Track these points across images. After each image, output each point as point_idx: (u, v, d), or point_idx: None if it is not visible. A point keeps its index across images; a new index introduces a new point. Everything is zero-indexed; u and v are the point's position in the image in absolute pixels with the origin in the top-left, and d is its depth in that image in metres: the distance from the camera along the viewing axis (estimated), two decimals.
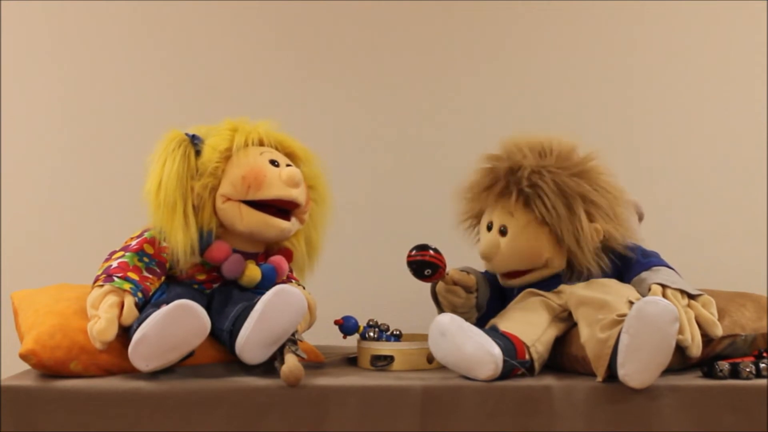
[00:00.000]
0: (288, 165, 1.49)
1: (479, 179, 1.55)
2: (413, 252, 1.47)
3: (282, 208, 1.47)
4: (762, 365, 1.33)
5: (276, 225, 1.46)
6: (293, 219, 1.50)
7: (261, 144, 1.50)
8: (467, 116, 2.08)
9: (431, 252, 1.47)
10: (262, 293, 1.34)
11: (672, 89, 2.08)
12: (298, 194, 1.47)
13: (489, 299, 1.60)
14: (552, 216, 1.45)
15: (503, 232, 1.51)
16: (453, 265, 1.55)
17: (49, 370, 1.30)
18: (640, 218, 1.71)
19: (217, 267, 1.46)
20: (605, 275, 1.48)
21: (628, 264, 1.50)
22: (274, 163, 1.47)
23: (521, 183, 1.47)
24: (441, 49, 2.10)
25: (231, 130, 1.48)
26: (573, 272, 1.50)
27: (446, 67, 2.10)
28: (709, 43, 2.08)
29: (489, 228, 1.53)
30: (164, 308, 1.26)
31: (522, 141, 1.52)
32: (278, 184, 1.44)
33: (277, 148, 1.52)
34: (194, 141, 1.45)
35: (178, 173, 1.41)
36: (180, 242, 1.39)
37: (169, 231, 1.40)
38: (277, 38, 2.10)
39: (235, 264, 1.45)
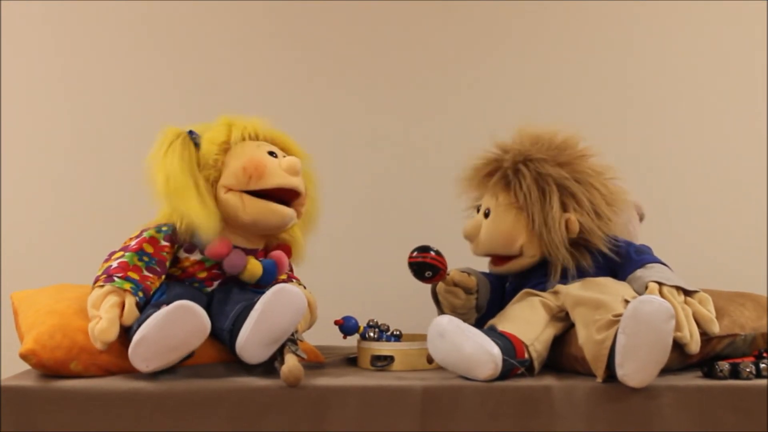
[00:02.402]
0: (285, 157, 1.50)
1: (478, 165, 1.59)
2: (414, 253, 1.48)
3: (281, 199, 1.47)
4: (762, 365, 1.33)
5: (279, 211, 1.46)
6: (292, 210, 1.50)
7: (257, 138, 1.51)
8: (467, 116, 2.08)
9: (432, 254, 1.47)
10: (263, 292, 1.34)
11: (671, 89, 2.08)
12: (298, 182, 1.48)
13: (489, 300, 1.60)
14: (525, 199, 1.49)
15: (487, 214, 1.55)
16: (453, 265, 1.55)
17: (49, 370, 1.30)
18: (641, 218, 1.71)
19: (218, 263, 1.47)
20: (589, 274, 1.48)
21: (620, 262, 1.50)
22: (272, 154, 1.48)
23: (505, 166, 1.52)
24: (441, 49, 2.10)
25: (227, 124, 1.50)
26: (551, 265, 1.50)
27: (446, 67, 2.10)
28: (709, 43, 2.08)
29: (478, 211, 1.58)
30: (164, 309, 1.26)
31: (527, 130, 1.56)
32: (279, 172, 1.45)
33: (273, 144, 1.52)
34: (192, 135, 1.47)
35: (181, 159, 1.42)
36: (202, 217, 1.39)
37: (188, 211, 1.39)
38: (277, 37, 2.10)
39: (236, 258, 1.46)
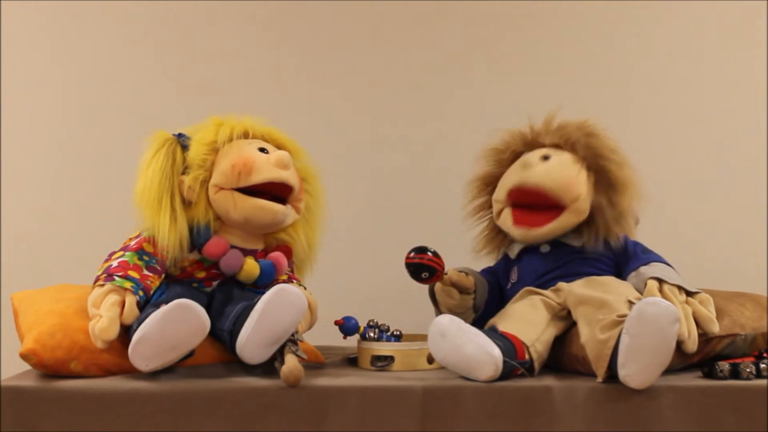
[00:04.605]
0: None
1: (513, 137, 1.59)
2: (411, 254, 1.47)
3: (276, 196, 1.47)
4: (762, 365, 1.33)
5: (269, 208, 1.45)
6: (288, 206, 1.50)
7: (247, 137, 1.51)
8: (467, 116, 2.08)
9: (429, 255, 1.46)
10: (263, 293, 1.34)
11: (672, 89, 2.08)
12: (288, 176, 1.47)
13: (487, 301, 1.60)
14: (597, 154, 1.50)
15: (546, 158, 1.52)
16: (452, 265, 1.55)
17: (49, 369, 1.30)
18: (635, 222, 1.71)
19: (216, 263, 1.47)
20: (601, 262, 1.50)
21: (627, 258, 1.50)
22: (263, 150, 1.48)
23: (568, 131, 1.53)
24: (441, 49, 2.10)
25: (216, 124, 1.50)
26: (590, 231, 1.51)
27: (446, 67, 2.10)
28: (709, 43, 2.08)
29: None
30: (163, 308, 1.26)
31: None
32: (268, 167, 1.45)
33: (265, 140, 1.52)
34: (180, 138, 1.47)
35: (162, 170, 1.42)
36: (170, 236, 1.40)
37: (157, 227, 1.40)
38: (277, 38, 2.10)
39: (233, 259, 1.45)
